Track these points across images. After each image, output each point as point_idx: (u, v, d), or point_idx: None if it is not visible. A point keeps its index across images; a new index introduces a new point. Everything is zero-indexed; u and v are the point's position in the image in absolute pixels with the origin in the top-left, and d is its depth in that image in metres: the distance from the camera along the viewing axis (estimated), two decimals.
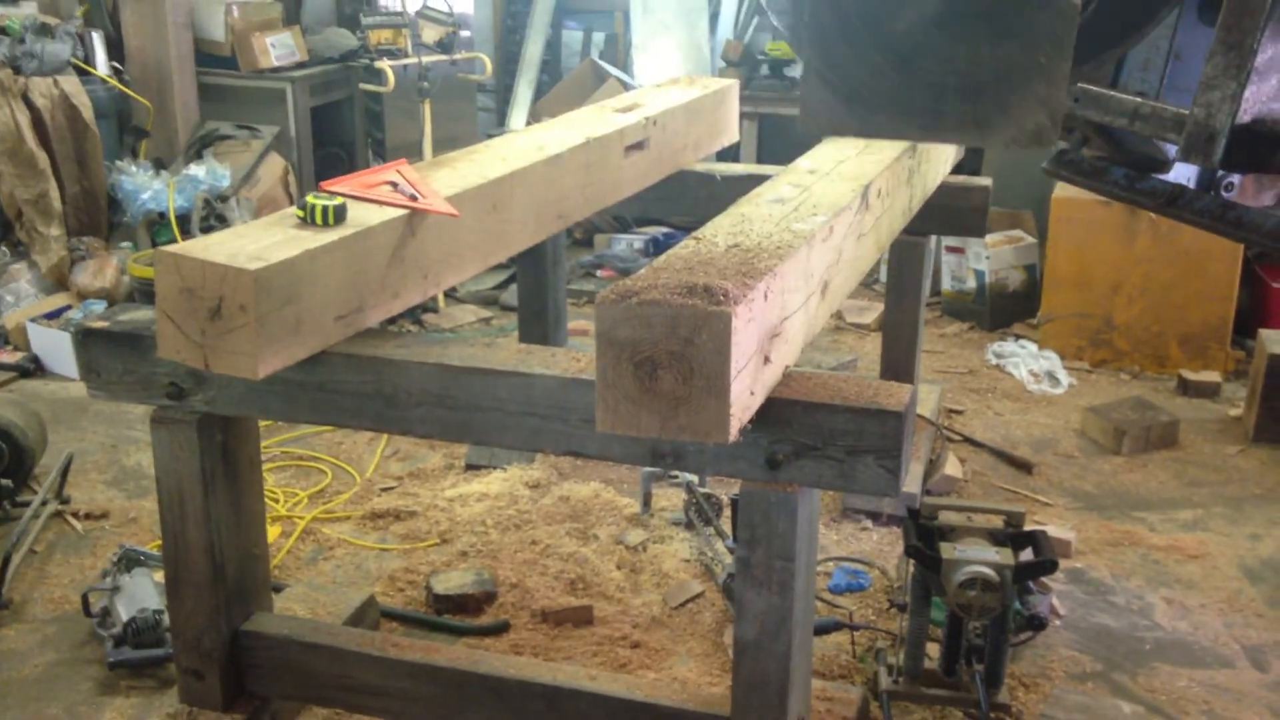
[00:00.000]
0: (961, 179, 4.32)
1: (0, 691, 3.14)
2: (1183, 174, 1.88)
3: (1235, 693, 3.16)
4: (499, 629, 3.41)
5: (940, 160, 4.09)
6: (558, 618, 3.44)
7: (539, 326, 4.55)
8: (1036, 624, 3.18)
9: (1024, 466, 4.49)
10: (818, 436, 2.21)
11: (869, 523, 3.99)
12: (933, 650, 2.99)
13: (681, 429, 1.97)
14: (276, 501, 4.13)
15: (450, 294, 6.42)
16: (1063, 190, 5.68)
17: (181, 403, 2.59)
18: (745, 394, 2.04)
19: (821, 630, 3.31)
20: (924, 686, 2.95)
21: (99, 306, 5.55)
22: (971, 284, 6.17)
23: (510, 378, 2.38)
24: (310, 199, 2.45)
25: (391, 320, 2.58)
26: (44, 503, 3.96)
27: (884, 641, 3.26)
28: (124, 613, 3.21)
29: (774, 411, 2.21)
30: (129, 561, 3.45)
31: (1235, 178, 1.81)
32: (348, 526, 4.03)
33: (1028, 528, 2.95)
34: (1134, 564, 3.80)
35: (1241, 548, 3.93)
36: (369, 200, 2.58)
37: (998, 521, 2.92)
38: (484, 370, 2.40)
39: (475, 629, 3.41)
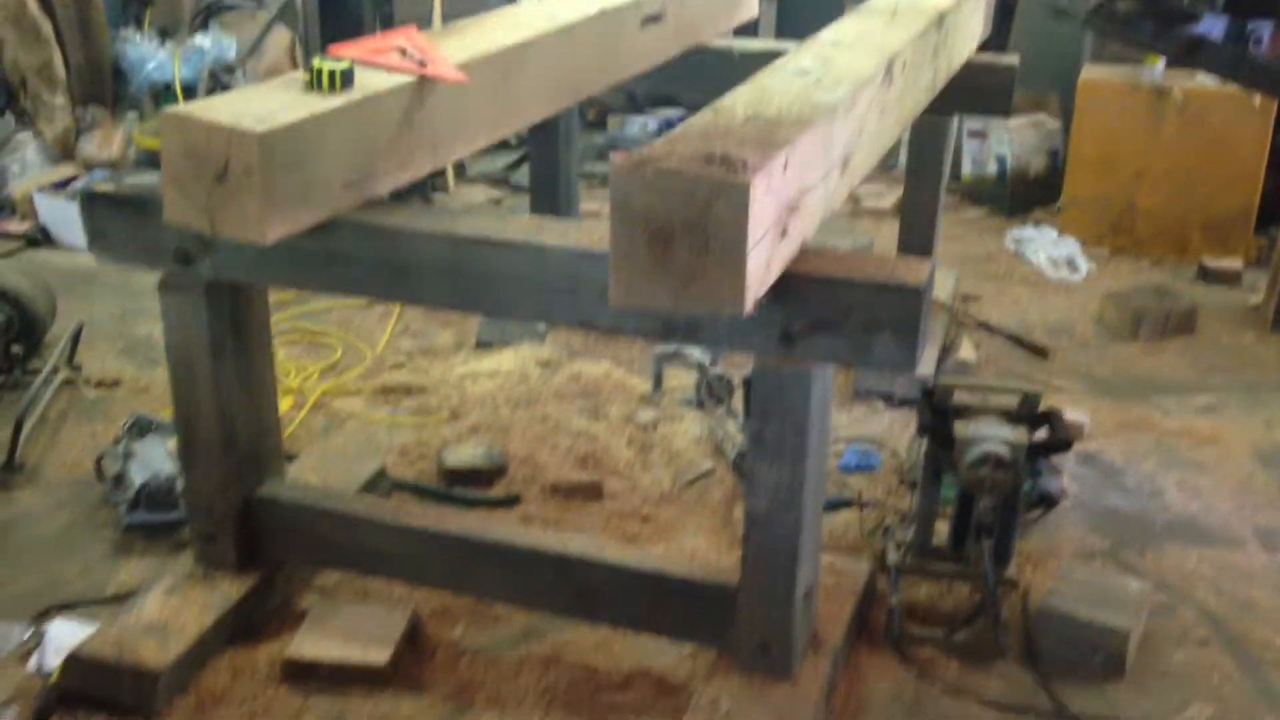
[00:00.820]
0: (987, 56, 4.20)
1: (17, 551, 3.19)
2: (1212, 28, 1.83)
3: (1244, 571, 3.18)
4: (509, 501, 3.43)
5: (966, 36, 3.97)
6: (568, 492, 3.46)
7: (550, 207, 4.49)
8: (1048, 501, 3.20)
9: (1039, 352, 4.46)
10: (834, 311, 2.18)
11: (881, 404, 3.98)
12: (941, 531, 3.01)
13: (696, 301, 1.94)
14: (287, 375, 4.13)
15: (460, 174, 6.34)
16: (1090, 73, 5.56)
17: (189, 268, 2.56)
18: (761, 267, 1.99)
19: (830, 507, 3.32)
20: (932, 562, 2.97)
21: None
22: (992, 168, 6.07)
23: (522, 250, 2.34)
24: (317, 62, 2.38)
25: (399, 197, 2.55)
26: (55, 370, 3.97)
27: (893, 518, 3.27)
28: (137, 477, 3.23)
29: (790, 286, 2.17)
30: (141, 428, 3.47)
31: (1264, 32, 1.76)
32: (358, 401, 4.04)
33: (1043, 408, 2.93)
34: (1147, 448, 3.80)
35: (1256, 433, 3.91)
36: (377, 65, 2.51)
37: (1013, 401, 2.90)
38: (495, 242, 2.36)
39: (486, 500, 3.44)
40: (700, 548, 3.23)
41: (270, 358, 2.84)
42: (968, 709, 2.67)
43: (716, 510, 3.41)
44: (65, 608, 2.93)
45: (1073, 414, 3.82)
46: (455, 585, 2.83)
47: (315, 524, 2.84)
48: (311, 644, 2.73)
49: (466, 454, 3.59)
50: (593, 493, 3.47)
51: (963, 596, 2.99)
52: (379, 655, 2.70)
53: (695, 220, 1.88)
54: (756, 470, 2.37)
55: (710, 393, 3.90)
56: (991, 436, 2.76)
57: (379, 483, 3.35)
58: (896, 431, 3.82)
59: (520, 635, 2.87)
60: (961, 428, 2.80)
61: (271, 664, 2.73)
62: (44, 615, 2.89)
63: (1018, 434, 2.78)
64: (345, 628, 2.78)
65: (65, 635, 2.76)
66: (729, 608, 2.52)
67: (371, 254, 2.43)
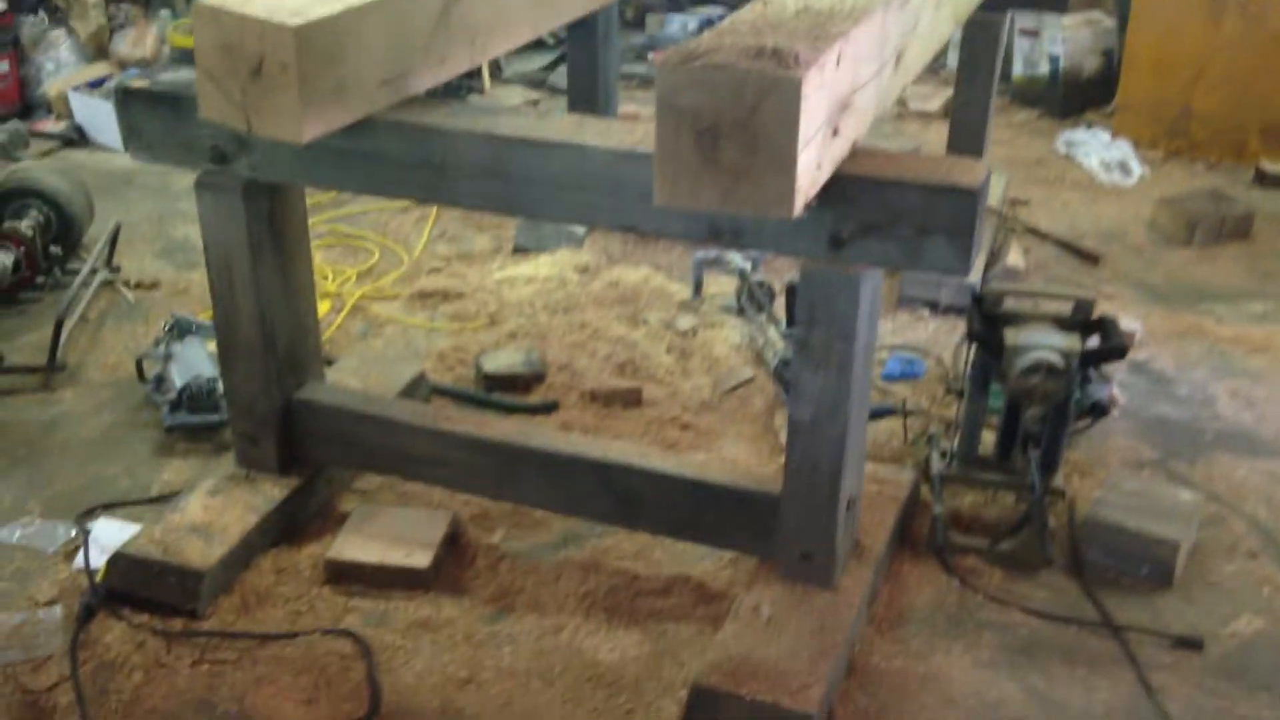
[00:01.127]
0: None
1: (60, 451, 3.22)
2: None
3: None
4: (549, 408, 3.41)
5: None
6: (607, 398, 3.43)
7: (589, 108, 4.38)
8: (1097, 410, 3.13)
9: (1090, 258, 4.35)
10: (886, 214, 2.11)
11: (926, 312, 3.91)
12: (987, 440, 2.96)
13: (743, 202, 1.87)
14: (325, 278, 4.11)
15: (496, 75, 6.24)
16: None
17: (226, 168, 2.51)
18: (812, 167, 1.92)
19: (874, 415, 3.27)
20: (977, 471, 2.93)
21: None
22: (1044, 69, 5.88)
23: (563, 150, 2.28)
24: None
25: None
26: (94, 270, 3.96)
27: (938, 427, 3.23)
28: (178, 379, 3.24)
29: (840, 188, 2.10)
30: (181, 330, 3.46)
31: None
32: (396, 305, 4.01)
33: (1095, 315, 2.85)
34: (1199, 355, 3.71)
35: None
36: None
37: (1065, 308, 2.82)
38: (535, 141, 2.29)
39: (525, 406, 3.42)
40: (741, 455, 3.21)
41: (308, 259, 2.80)
42: (1011, 618, 2.65)
43: (757, 418, 3.37)
44: (109, 507, 2.96)
45: (1124, 321, 3.74)
46: (495, 491, 2.82)
47: (355, 428, 2.83)
48: (353, 546, 2.74)
49: (505, 360, 3.56)
50: (632, 399, 3.44)
51: (1008, 506, 2.96)
52: (421, 558, 2.70)
53: (744, 117, 1.81)
54: (801, 378, 2.32)
55: (751, 299, 3.84)
56: (1043, 344, 2.69)
57: (418, 387, 3.33)
58: (941, 339, 3.75)
59: (560, 541, 2.87)
60: (1012, 335, 2.73)
61: (314, 565, 2.75)
62: (88, 515, 2.92)
63: (1070, 341, 2.71)
64: (386, 531, 2.78)
65: (109, 535, 2.79)
66: (771, 516, 2.50)
67: (409, 154, 2.37)
